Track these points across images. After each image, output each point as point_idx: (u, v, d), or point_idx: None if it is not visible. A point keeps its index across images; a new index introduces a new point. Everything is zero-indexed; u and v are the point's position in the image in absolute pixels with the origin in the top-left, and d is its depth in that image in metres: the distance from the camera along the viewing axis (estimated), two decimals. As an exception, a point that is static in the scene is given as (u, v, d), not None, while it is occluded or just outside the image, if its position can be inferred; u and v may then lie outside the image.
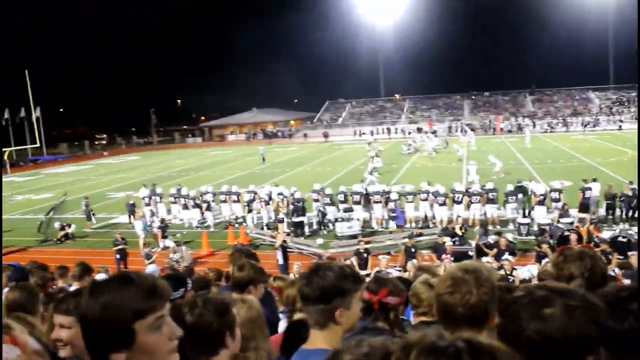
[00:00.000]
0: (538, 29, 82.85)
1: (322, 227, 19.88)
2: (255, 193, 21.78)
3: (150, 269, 9.68)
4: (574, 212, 17.89)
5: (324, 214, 20.06)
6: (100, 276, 8.00)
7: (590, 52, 78.54)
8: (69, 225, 21.30)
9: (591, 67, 79.91)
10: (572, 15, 76.40)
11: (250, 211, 21.11)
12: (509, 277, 11.17)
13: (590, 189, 18.73)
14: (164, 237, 18.37)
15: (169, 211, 22.77)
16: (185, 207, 22.19)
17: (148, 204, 22.90)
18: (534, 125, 62.55)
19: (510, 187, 19.45)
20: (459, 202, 19.24)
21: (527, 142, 45.93)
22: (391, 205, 19.22)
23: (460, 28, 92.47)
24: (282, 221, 19.40)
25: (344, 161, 41.95)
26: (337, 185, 22.59)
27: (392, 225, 18.95)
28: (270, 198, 21.20)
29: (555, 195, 18.81)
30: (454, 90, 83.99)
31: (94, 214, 22.97)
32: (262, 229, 20.04)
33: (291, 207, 20.14)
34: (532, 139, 47.77)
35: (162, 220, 20.04)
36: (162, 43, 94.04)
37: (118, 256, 16.29)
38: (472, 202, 19.10)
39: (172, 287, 3.98)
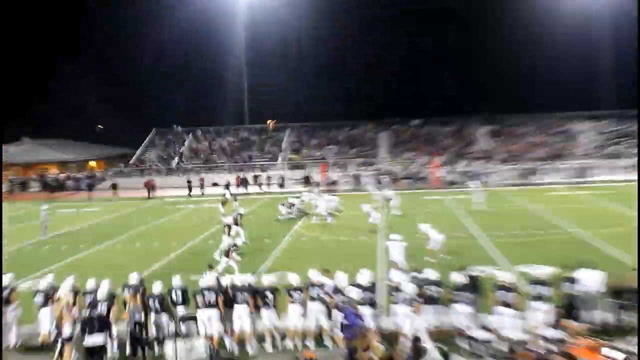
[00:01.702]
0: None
1: (142, 350, 11.34)
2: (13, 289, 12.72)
3: None
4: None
5: (145, 325, 11.54)
6: None
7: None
8: None
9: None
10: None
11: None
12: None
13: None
14: None
15: None
16: None
17: None
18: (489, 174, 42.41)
19: (459, 279, 11.68)
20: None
21: (479, 199, 31.28)
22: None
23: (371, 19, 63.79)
24: (69, 340, 10.79)
25: (181, 232, 26.38)
26: (170, 275, 13.38)
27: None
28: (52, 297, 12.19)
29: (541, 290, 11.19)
30: (361, 117, 57.04)
31: None
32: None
33: (85, 314, 11.12)
34: (487, 194, 32.45)
35: None
36: None
37: None
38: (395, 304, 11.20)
39: None
